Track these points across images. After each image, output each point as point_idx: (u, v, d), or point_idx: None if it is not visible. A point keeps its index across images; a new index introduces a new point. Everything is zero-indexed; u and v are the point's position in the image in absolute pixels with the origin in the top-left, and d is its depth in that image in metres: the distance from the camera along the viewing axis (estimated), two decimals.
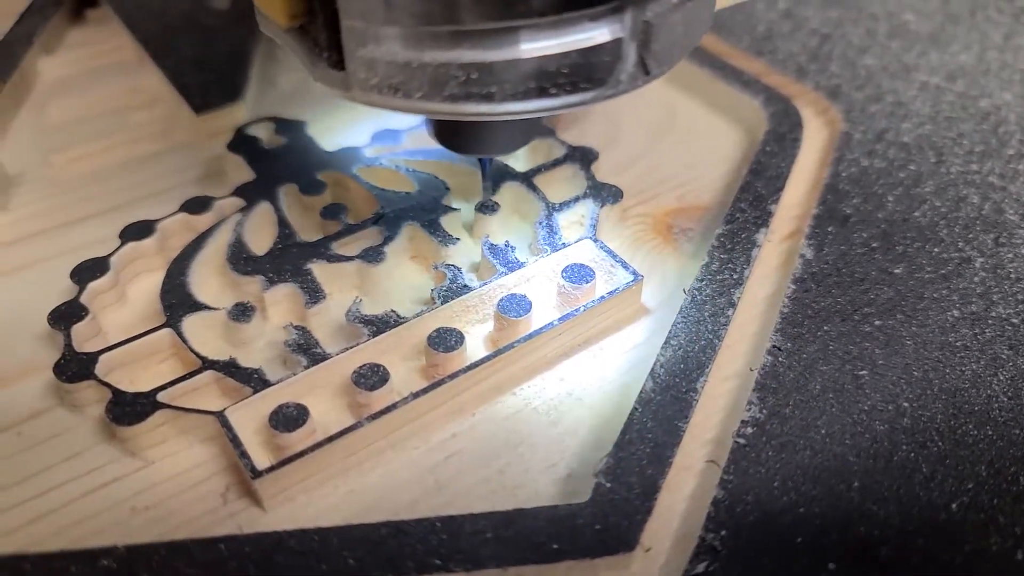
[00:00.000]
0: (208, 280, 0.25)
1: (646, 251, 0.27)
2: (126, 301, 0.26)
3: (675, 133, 0.32)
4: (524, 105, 0.19)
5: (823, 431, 0.21)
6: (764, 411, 0.22)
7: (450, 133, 0.24)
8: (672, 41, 0.20)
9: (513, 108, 0.19)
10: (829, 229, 0.26)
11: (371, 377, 0.22)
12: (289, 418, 0.21)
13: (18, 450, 0.22)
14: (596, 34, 0.18)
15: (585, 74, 0.19)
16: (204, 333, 0.24)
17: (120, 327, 0.25)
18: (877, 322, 0.24)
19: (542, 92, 0.19)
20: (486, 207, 0.26)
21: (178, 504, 0.21)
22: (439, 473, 0.22)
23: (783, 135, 0.30)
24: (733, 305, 0.24)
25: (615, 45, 0.19)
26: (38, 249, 0.28)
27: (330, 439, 0.21)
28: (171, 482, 0.21)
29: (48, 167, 0.31)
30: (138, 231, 0.26)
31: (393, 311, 0.23)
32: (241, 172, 0.29)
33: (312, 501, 0.21)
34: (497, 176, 0.28)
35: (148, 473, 0.22)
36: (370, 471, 0.22)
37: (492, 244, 0.25)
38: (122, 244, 0.26)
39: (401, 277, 0.26)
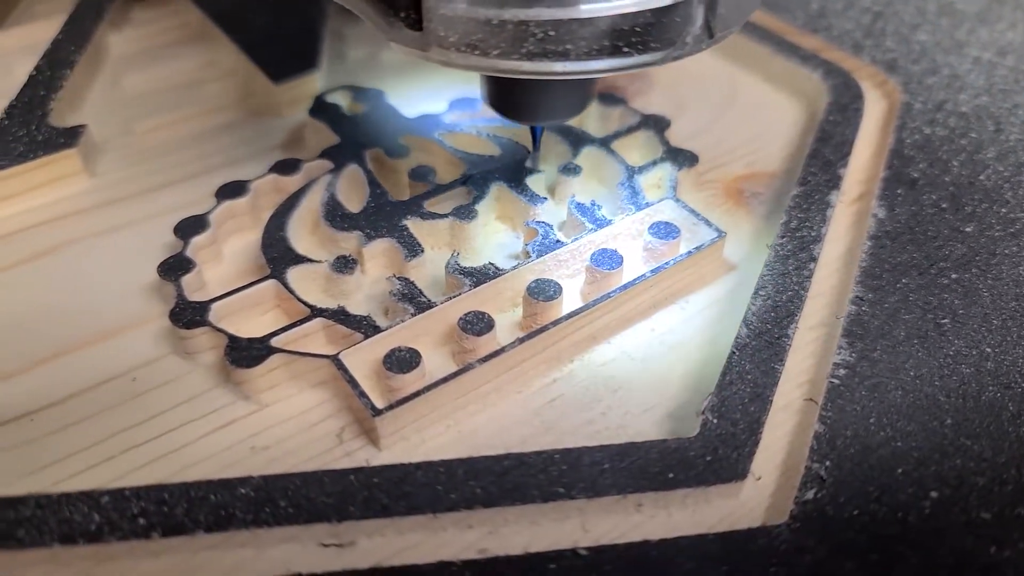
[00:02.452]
0: (304, 236, 0.26)
1: (720, 213, 0.28)
2: (222, 258, 0.27)
3: (737, 106, 0.33)
4: (596, 64, 0.20)
5: (912, 373, 0.22)
6: (854, 355, 0.23)
7: (507, 100, 0.24)
8: (735, 4, 0.21)
9: (586, 67, 0.20)
10: (899, 191, 0.27)
11: (477, 323, 0.22)
12: (403, 361, 0.22)
13: (135, 394, 0.23)
14: None
15: (656, 34, 0.20)
16: (306, 285, 0.25)
17: (218, 282, 0.26)
18: (954, 275, 0.25)
19: (615, 51, 0.20)
20: (569, 169, 0.27)
21: (295, 444, 0.22)
22: (544, 415, 0.22)
23: (845, 105, 0.31)
24: (814, 259, 0.25)
25: (686, 6, 0.19)
26: (129, 212, 0.28)
27: (444, 380, 0.22)
28: (286, 424, 0.22)
29: (130, 135, 0.31)
30: (232, 190, 0.27)
31: (491, 263, 0.24)
32: (321, 138, 0.30)
33: (424, 440, 0.22)
34: (576, 141, 0.29)
35: (263, 416, 0.22)
36: (477, 413, 0.22)
37: (579, 203, 0.26)
38: (218, 203, 0.27)
39: (489, 235, 0.27)
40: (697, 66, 0.35)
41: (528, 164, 0.27)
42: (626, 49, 0.20)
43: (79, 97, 0.33)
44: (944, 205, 0.27)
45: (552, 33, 0.19)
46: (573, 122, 0.30)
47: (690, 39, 0.20)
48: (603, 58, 0.20)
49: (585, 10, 0.19)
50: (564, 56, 0.19)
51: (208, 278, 0.26)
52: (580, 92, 0.24)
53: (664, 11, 0.19)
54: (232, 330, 0.23)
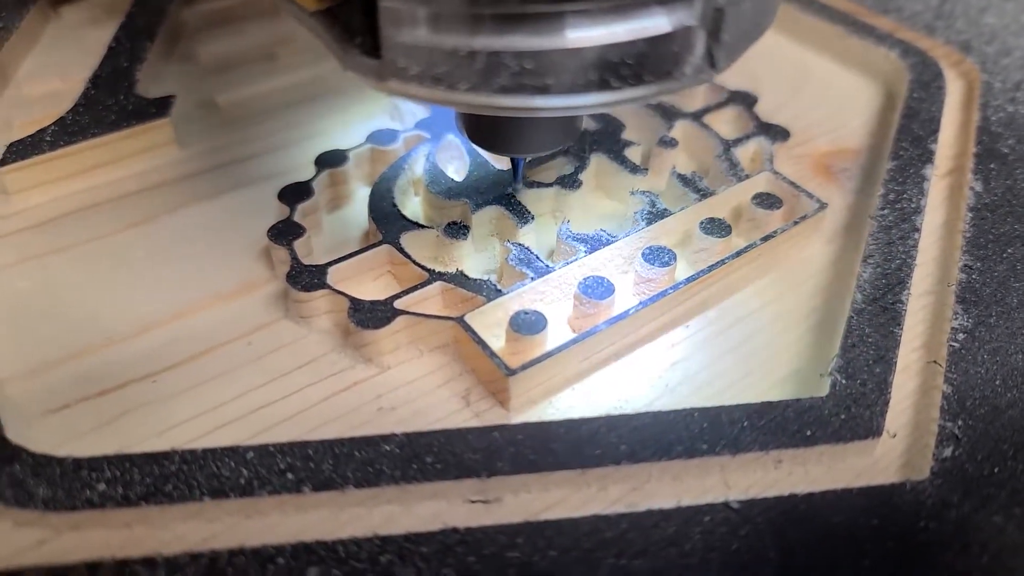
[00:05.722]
0: (407, 204, 0.26)
1: (812, 188, 0.28)
2: (322, 226, 0.27)
3: (811, 86, 0.33)
4: (581, 99, 0.17)
5: None
6: (970, 320, 0.23)
7: (483, 130, 0.23)
8: (741, 31, 0.18)
9: (569, 102, 0.17)
10: (992, 166, 0.28)
11: (597, 288, 0.23)
12: (529, 323, 0.22)
13: (253, 358, 0.23)
14: (665, 21, 0.17)
15: (651, 65, 0.17)
16: (417, 251, 0.25)
17: (320, 249, 0.26)
18: None
19: (603, 85, 0.17)
20: (665, 142, 0.28)
21: (422, 406, 0.22)
22: (668, 378, 0.23)
23: (927, 83, 0.31)
24: (917, 230, 0.25)
25: (685, 34, 0.17)
26: (222, 181, 0.28)
27: (572, 342, 0.22)
28: (410, 387, 0.22)
29: (212, 107, 0.31)
30: (333, 159, 0.27)
31: (603, 230, 0.24)
32: (408, 108, 0.30)
33: (552, 403, 0.22)
34: (669, 115, 0.29)
35: (385, 378, 0.22)
36: (601, 376, 0.23)
37: (680, 174, 0.26)
38: (319, 171, 0.27)
39: (590, 205, 0.27)
40: (766, 46, 0.36)
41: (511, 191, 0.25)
42: (615, 83, 0.17)
43: (157, 69, 0.33)
44: None
45: (530, 66, 0.16)
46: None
47: (689, 70, 0.18)
48: (589, 93, 0.17)
49: (569, 40, 0.16)
50: (544, 92, 0.17)
51: (313, 245, 0.26)
52: (569, 122, 0.22)
53: (659, 40, 0.17)
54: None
